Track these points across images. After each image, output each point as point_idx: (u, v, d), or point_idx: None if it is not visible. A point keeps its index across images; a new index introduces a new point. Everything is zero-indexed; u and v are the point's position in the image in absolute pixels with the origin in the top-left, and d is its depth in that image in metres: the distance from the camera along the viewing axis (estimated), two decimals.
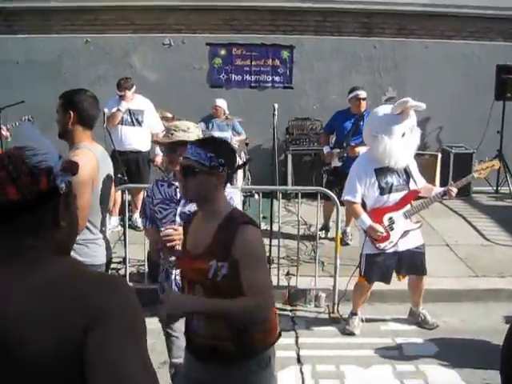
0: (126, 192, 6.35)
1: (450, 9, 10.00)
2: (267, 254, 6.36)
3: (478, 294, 6.17)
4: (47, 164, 1.52)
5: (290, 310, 5.95)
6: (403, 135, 4.92)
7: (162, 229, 3.40)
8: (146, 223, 3.80)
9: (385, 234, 4.98)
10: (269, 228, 6.46)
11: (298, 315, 5.85)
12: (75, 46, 9.77)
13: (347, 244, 7.25)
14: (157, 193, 3.67)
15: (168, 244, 3.25)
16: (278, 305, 5.94)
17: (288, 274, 6.36)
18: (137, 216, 7.64)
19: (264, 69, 10.10)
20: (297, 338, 5.37)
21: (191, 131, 3.56)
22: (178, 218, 3.53)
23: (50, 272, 1.46)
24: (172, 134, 3.55)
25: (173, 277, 3.59)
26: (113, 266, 5.88)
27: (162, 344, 3.93)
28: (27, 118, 7.92)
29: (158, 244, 3.35)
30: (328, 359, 4.95)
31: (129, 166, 7.38)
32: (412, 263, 5.21)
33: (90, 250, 3.51)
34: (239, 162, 8.52)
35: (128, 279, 5.81)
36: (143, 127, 7.68)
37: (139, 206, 7.70)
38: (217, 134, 8.03)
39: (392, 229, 5.03)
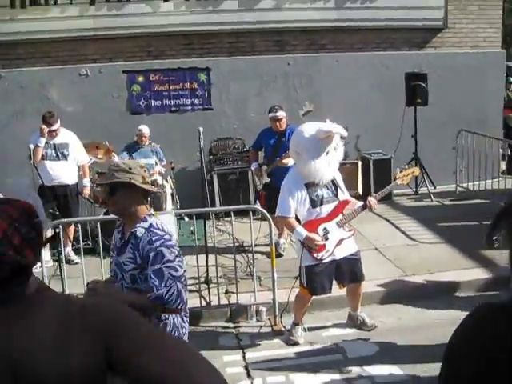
0: (61, 227, 6.24)
1: (357, 23, 10.38)
2: (205, 274, 6.45)
3: (411, 292, 6.45)
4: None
5: (234, 327, 6.03)
6: (327, 154, 5.08)
7: None
8: None
9: (322, 242, 5.14)
10: (203, 249, 6.52)
11: (242, 331, 5.94)
12: None
13: (281, 255, 7.41)
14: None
15: None
16: (221, 323, 6.03)
17: (227, 292, 6.44)
18: (69, 249, 7.55)
19: (183, 92, 10.14)
20: (244, 353, 5.45)
21: (134, 172, 3.23)
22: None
23: (49, 309, 1.53)
24: (112, 175, 3.23)
25: None
26: None
27: None
28: None
29: None
30: (277, 370, 5.05)
31: (58, 199, 7.41)
32: (351, 272, 5.40)
33: None
34: (168, 187, 8.58)
35: None
36: (69, 160, 7.62)
37: (71, 238, 7.65)
38: (142, 161, 7.98)
39: (327, 238, 5.19)
